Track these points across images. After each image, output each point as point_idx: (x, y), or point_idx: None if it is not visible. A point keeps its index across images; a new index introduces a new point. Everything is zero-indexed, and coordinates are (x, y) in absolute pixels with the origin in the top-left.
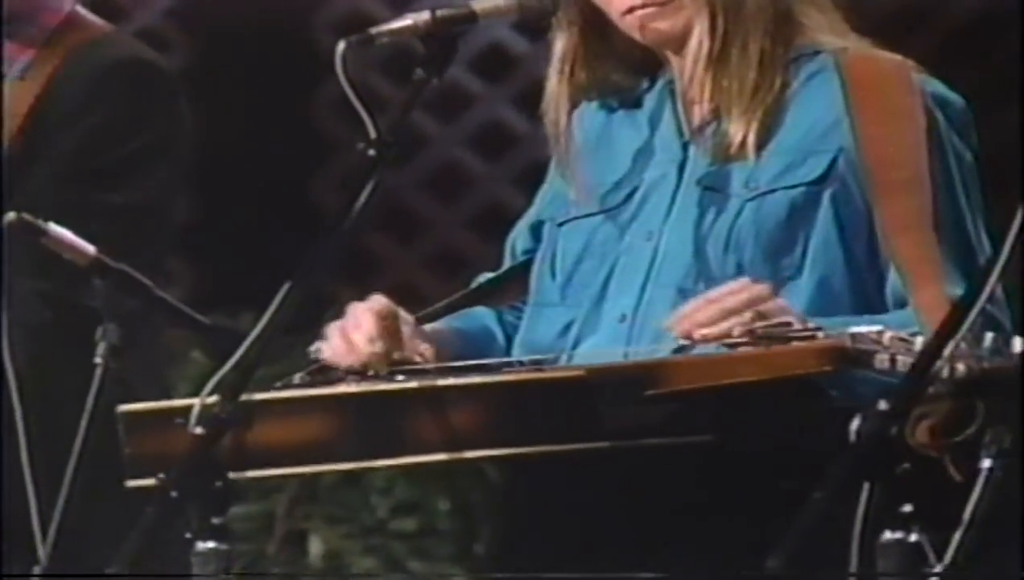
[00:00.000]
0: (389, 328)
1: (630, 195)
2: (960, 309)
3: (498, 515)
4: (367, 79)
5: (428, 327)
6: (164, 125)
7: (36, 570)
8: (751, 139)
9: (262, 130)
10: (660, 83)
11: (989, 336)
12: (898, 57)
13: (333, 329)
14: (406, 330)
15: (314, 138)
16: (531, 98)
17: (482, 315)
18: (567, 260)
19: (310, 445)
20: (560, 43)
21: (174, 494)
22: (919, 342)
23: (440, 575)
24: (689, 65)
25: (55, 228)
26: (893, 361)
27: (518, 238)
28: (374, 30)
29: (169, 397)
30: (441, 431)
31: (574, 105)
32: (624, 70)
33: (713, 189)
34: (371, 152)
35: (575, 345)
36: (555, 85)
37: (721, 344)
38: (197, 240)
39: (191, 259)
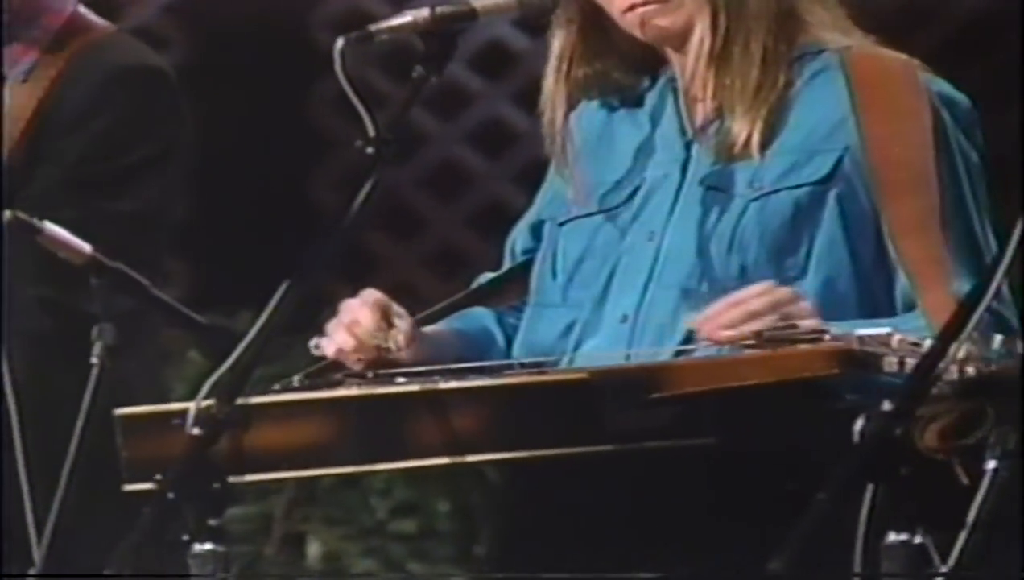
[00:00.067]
0: (387, 319)
1: (632, 194)
2: (965, 308)
3: (498, 516)
4: (366, 76)
5: (428, 329)
6: (168, 132)
7: (31, 572)
8: (755, 138)
9: (260, 128)
10: (661, 81)
11: (998, 338)
12: (904, 56)
13: (334, 326)
14: (400, 323)
15: (313, 136)
16: (531, 95)
17: (482, 316)
18: (568, 260)
19: (310, 449)
20: (558, 41)
21: (171, 495)
22: (928, 345)
23: (440, 577)
24: (691, 62)
25: (51, 226)
26: (902, 364)
27: (518, 238)
28: (373, 27)
29: (166, 397)
30: (442, 435)
31: (572, 104)
32: (625, 68)
33: (716, 189)
34: (370, 150)
35: (577, 346)
36: (552, 84)
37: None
38: (194, 238)
39: (188, 258)
